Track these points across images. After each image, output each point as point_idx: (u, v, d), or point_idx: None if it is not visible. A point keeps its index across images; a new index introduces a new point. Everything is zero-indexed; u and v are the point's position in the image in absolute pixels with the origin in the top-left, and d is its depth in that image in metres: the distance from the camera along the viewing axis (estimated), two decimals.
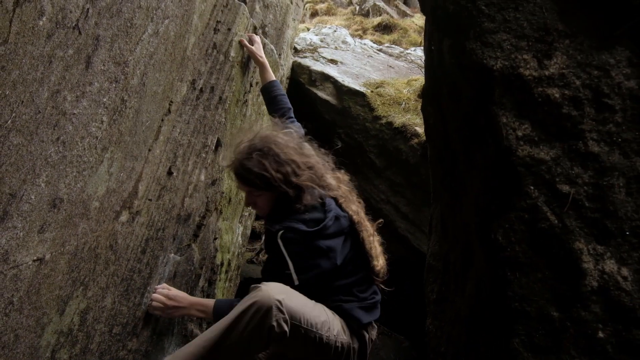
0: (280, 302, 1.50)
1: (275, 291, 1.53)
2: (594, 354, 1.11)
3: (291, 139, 1.87)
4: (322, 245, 1.68)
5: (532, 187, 1.21)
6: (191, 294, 2.06)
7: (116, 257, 1.67)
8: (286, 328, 1.50)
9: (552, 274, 1.17)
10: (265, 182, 1.75)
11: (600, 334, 1.11)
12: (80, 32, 1.13)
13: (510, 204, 1.24)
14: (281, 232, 1.68)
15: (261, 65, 2.42)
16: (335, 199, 1.85)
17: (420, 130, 2.92)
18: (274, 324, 1.47)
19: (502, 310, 1.23)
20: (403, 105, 3.21)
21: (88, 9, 1.13)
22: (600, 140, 1.19)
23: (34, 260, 1.23)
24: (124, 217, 1.70)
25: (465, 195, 1.53)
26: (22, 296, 1.21)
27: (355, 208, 1.88)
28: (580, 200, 1.18)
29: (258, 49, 2.38)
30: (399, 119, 3.06)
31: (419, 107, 3.27)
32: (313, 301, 1.69)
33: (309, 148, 1.92)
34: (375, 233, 1.87)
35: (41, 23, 0.94)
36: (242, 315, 1.49)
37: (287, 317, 1.51)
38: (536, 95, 1.24)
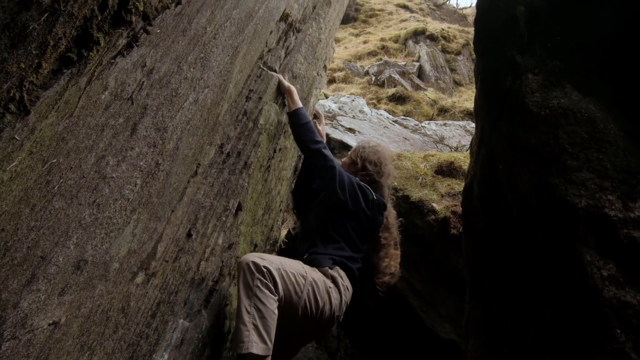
0: (258, 257, 1.98)
1: (249, 255, 2.03)
2: None
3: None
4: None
5: (618, 331, 1.17)
6: None
7: (126, 321, 1.61)
8: (272, 267, 1.95)
9: None
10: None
11: None
12: (132, 103, 1.17)
13: (597, 344, 1.19)
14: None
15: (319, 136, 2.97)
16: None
17: (438, 207, 2.92)
18: (264, 267, 1.93)
19: None
20: (420, 179, 3.23)
21: (143, 82, 1.18)
22: None
23: (49, 324, 1.18)
24: (139, 278, 1.66)
25: (531, 316, 1.48)
26: None
27: (387, 235, 2.39)
28: None
29: (321, 122, 2.98)
30: (415, 194, 3.07)
31: (436, 183, 3.29)
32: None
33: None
34: (397, 253, 2.41)
35: (103, 97, 0.98)
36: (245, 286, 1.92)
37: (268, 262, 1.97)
38: (622, 236, 1.23)
